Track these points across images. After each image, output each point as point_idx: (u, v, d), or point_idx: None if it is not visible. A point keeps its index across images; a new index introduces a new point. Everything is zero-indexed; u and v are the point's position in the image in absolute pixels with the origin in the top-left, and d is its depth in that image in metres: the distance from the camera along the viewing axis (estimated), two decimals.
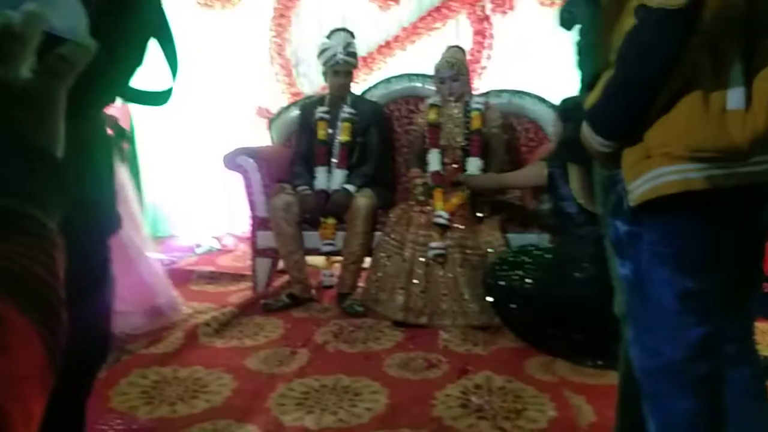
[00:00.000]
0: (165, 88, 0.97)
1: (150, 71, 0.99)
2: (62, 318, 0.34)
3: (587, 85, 1.08)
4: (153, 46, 0.96)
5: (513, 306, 2.36)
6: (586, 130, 1.04)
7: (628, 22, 0.92)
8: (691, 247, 0.99)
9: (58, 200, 0.37)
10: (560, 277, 2.23)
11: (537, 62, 3.84)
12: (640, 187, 0.97)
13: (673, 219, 0.98)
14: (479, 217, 2.74)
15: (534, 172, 2.43)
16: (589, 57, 1.10)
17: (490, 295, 2.45)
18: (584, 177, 2.32)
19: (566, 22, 1.25)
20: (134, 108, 3.54)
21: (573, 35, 1.20)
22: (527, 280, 2.32)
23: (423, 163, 2.98)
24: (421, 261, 2.65)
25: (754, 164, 0.92)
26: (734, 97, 0.90)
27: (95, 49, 0.40)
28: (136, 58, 0.90)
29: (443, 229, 2.66)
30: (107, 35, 0.84)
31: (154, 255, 2.85)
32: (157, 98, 0.96)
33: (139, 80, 0.95)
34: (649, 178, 0.96)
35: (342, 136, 2.99)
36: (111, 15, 0.84)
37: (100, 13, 0.84)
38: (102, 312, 1.25)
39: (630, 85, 0.95)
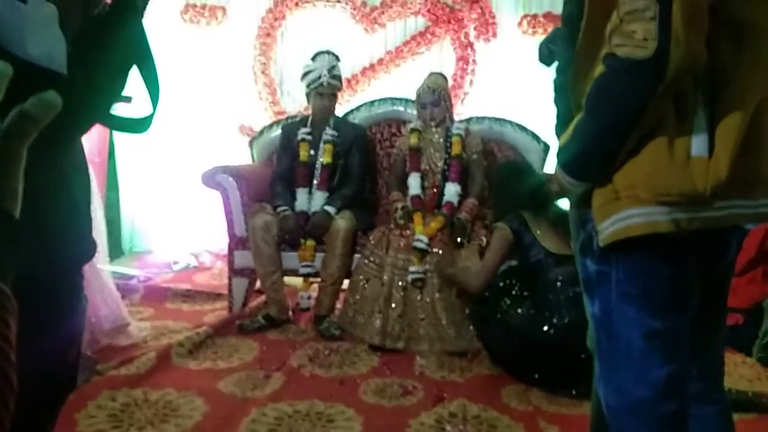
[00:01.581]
0: (145, 115, 0.96)
1: (131, 97, 0.98)
2: (12, 383, 0.34)
3: (563, 122, 1.11)
4: (134, 73, 0.96)
5: (494, 333, 2.37)
6: (558, 170, 1.07)
7: (599, 68, 0.95)
8: (657, 287, 1.02)
9: (12, 262, 0.37)
10: (540, 323, 2.23)
11: (518, 90, 3.91)
12: (609, 227, 0.99)
13: (640, 259, 1.01)
14: (458, 242, 2.75)
15: (500, 240, 2.44)
16: (565, 95, 1.12)
17: (474, 317, 2.46)
18: (545, 222, 2.39)
19: (545, 58, 1.28)
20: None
21: (552, 71, 1.23)
22: (512, 312, 2.32)
23: (403, 187, 2.99)
24: (400, 285, 2.65)
25: (716, 209, 0.95)
26: (698, 144, 0.93)
27: (59, 105, 0.39)
28: (116, 87, 0.89)
29: (422, 253, 2.67)
30: (87, 64, 0.83)
31: (108, 269, 2.79)
32: (137, 126, 0.95)
33: (119, 107, 0.94)
34: (617, 219, 0.98)
35: (324, 158, 3.00)
36: (91, 43, 0.84)
37: (80, 41, 0.83)
38: (73, 339, 1.22)
39: (598, 131, 0.98)
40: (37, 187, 0.51)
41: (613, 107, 0.95)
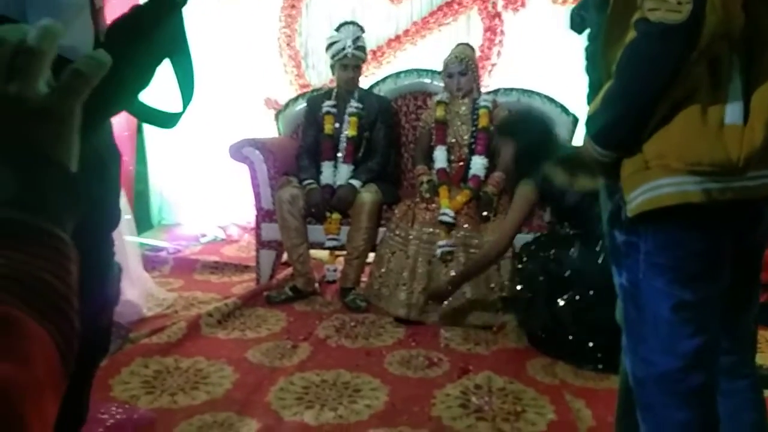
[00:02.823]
0: (175, 110, 0.95)
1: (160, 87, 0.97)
2: (75, 327, 0.36)
3: (594, 90, 1.08)
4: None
5: (539, 285, 2.33)
6: (587, 140, 1.04)
7: (631, 34, 0.92)
8: (687, 258, 1.00)
9: (72, 213, 0.39)
10: (595, 255, 2.20)
11: (547, 61, 3.81)
12: (637, 197, 0.97)
13: (669, 230, 0.99)
14: (484, 216, 2.73)
15: (524, 198, 2.39)
16: (596, 63, 1.09)
17: (521, 272, 2.44)
18: (562, 168, 2.31)
19: (577, 26, 1.24)
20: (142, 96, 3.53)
21: (583, 39, 1.20)
22: (563, 258, 2.28)
23: (429, 160, 2.97)
24: (425, 258, 2.65)
25: (749, 179, 0.92)
26: (732, 112, 0.89)
27: (109, 63, 0.40)
28: (145, 79, 0.89)
29: (449, 227, 2.66)
30: (118, 55, 0.83)
31: (137, 241, 2.82)
32: (166, 120, 0.95)
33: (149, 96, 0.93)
34: (646, 189, 0.96)
35: (349, 131, 2.99)
36: (125, 35, 0.83)
37: (115, 31, 0.83)
38: (106, 304, 1.26)
39: (628, 98, 0.95)
40: None
41: (645, 73, 0.92)
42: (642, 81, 0.93)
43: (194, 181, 4.26)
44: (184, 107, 0.98)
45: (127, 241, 2.57)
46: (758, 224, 1.05)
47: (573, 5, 1.29)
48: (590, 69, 1.12)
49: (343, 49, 2.92)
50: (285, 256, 3.01)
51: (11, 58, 0.37)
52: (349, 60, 2.94)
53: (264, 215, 3.00)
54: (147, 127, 4.16)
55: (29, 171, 0.37)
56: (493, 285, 2.60)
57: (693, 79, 0.91)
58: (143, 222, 4.19)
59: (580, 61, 1.15)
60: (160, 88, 0.95)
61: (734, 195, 0.93)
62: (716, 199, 0.93)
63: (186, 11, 0.95)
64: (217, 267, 3.37)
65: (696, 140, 0.91)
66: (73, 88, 0.39)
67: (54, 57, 0.39)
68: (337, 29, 3.04)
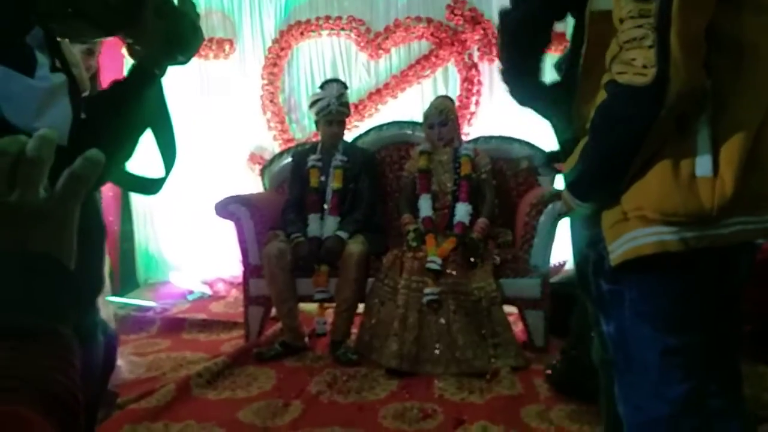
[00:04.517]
0: (158, 177, 0.97)
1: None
2: (79, 419, 0.37)
3: (561, 144, 1.15)
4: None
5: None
6: (565, 192, 1.09)
7: (601, 95, 0.98)
8: (670, 305, 1.03)
9: (73, 309, 0.41)
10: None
11: (524, 108, 3.93)
12: (619, 247, 1.01)
13: (651, 279, 1.02)
14: (472, 262, 2.75)
15: None
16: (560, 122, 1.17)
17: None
18: None
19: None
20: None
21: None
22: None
23: (414, 209, 3.01)
24: (415, 307, 2.65)
25: (723, 227, 0.96)
26: (702, 164, 0.94)
27: (103, 161, 0.43)
28: (128, 150, 0.91)
29: (436, 274, 2.67)
30: (100, 129, 0.86)
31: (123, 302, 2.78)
32: (149, 187, 0.96)
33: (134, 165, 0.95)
34: (627, 239, 1.00)
35: (334, 184, 3.03)
36: (106, 108, 0.86)
37: (96, 105, 0.86)
38: (90, 373, 1.24)
39: (603, 155, 1.01)
40: None
41: (617, 132, 0.97)
42: (614, 139, 0.98)
43: (180, 238, 4.26)
44: (167, 173, 1.00)
45: (102, 302, 2.55)
46: (736, 268, 1.08)
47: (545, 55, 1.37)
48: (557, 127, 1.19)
49: (328, 105, 2.99)
50: (274, 311, 2.99)
51: (11, 168, 0.40)
52: (333, 116, 3.02)
53: (251, 271, 3.00)
54: None
55: (32, 274, 0.39)
56: (484, 332, 2.60)
57: (663, 135, 0.96)
58: (129, 281, 4.16)
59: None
60: (141, 153, 0.98)
61: (710, 242, 0.97)
62: (693, 246, 0.97)
63: (170, 71, 0.98)
64: (206, 325, 3.33)
65: (670, 192, 0.95)
66: (72, 191, 0.42)
67: (51, 163, 0.41)
68: (321, 87, 3.12)
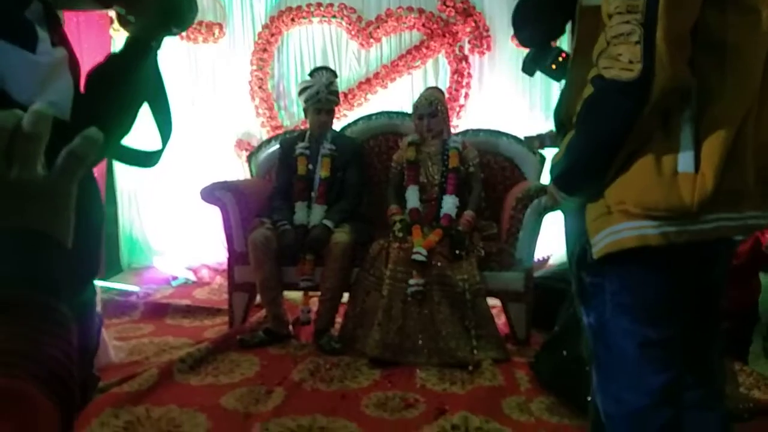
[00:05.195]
0: (155, 149, 0.97)
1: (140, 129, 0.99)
2: (76, 397, 0.38)
3: (560, 131, 1.17)
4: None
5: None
6: (551, 185, 1.11)
7: (588, 89, 0.99)
8: (649, 297, 1.05)
9: (71, 286, 0.41)
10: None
11: (512, 102, 3.95)
12: (601, 241, 1.03)
13: (632, 271, 1.04)
14: (457, 254, 2.76)
15: None
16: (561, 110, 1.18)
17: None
18: None
19: (528, 69, 1.34)
20: None
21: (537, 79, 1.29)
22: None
23: (401, 200, 3.02)
24: (399, 298, 2.66)
25: (704, 222, 0.98)
26: (684, 160, 0.96)
27: (101, 139, 0.43)
28: (125, 125, 0.91)
29: (422, 266, 2.68)
30: (97, 104, 0.85)
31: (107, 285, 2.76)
32: (146, 160, 0.96)
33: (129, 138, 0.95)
34: (609, 232, 1.02)
35: (322, 172, 3.02)
36: (104, 83, 0.85)
37: (93, 81, 0.85)
38: (86, 355, 1.24)
39: (587, 148, 1.03)
40: None
41: (602, 126, 0.99)
42: (600, 133, 1.00)
43: (165, 223, 4.23)
44: (164, 145, 1.00)
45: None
46: (715, 264, 1.11)
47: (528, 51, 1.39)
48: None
49: (317, 93, 2.98)
50: (258, 298, 2.99)
51: (8, 143, 0.40)
52: (322, 104, 3.00)
53: (236, 258, 2.99)
54: (117, 169, 4.13)
55: (31, 250, 0.39)
56: (467, 323, 2.62)
57: (647, 130, 0.97)
58: (113, 265, 4.12)
59: (542, 102, 1.24)
60: (135, 129, 0.97)
61: (690, 237, 0.99)
62: (674, 241, 0.99)
63: (160, 55, 0.98)
64: (189, 311, 3.32)
65: (652, 187, 0.97)
66: (70, 169, 0.42)
67: (47, 139, 0.41)
68: (311, 74, 3.10)
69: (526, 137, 1.30)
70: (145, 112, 0.96)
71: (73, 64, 0.86)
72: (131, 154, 0.95)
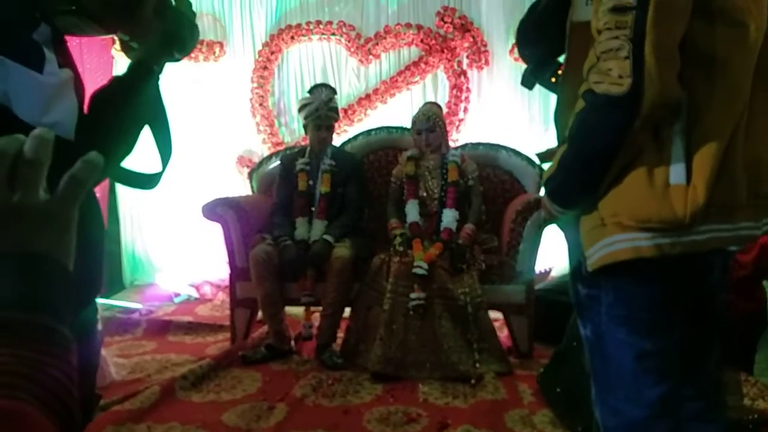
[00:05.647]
0: (155, 171, 0.98)
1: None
2: (76, 417, 0.38)
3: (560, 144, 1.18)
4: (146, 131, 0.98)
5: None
6: (545, 198, 1.12)
7: (579, 103, 1.01)
8: (644, 309, 1.05)
9: (72, 309, 0.42)
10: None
11: (511, 115, 3.98)
12: (596, 253, 1.04)
13: (626, 283, 1.05)
14: (458, 268, 2.77)
15: None
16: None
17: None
18: None
19: (528, 83, 1.35)
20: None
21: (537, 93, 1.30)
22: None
23: (401, 214, 3.03)
24: (401, 312, 2.66)
25: (697, 234, 0.99)
26: (676, 173, 0.97)
27: (102, 163, 0.44)
28: (127, 147, 0.92)
29: (423, 279, 2.69)
30: (100, 125, 0.87)
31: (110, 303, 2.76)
32: (146, 182, 0.98)
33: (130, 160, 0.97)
34: (603, 245, 1.03)
35: (323, 188, 3.04)
36: (106, 105, 0.87)
37: (97, 102, 0.87)
38: (87, 373, 1.24)
39: (580, 162, 1.04)
40: None
41: (593, 140, 1.00)
42: (591, 147, 1.01)
43: (167, 240, 4.24)
44: (164, 167, 1.01)
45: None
46: (710, 274, 1.11)
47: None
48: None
49: (317, 110, 3.00)
50: (260, 315, 2.99)
51: (10, 168, 0.41)
52: (322, 120, 3.03)
53: (238, 274, 3.00)
54: (119, 187, 4.16)
55: (32, 273, 0.40)
56: (469, 337, 2.62)
57: (638, 143, 0.99)
58: (115, 282, 4.13)
59: (541, 115, 1.26)
60: (136, 151, 0.99)
61: (684, 248, 0.99)
62: (667, 253, 0.99)
63: (161, 77, 1.00)
64: (191, 327, 3.32)
65: (645, 200, 0.98)
66: (71, 193, 0.43)
67: (49, 164, 0.42)
68: (310, 91, 3.13)
69: (537, 154, 1.31)
70: (146, 134, 0.98)
71: (78, 85, 0.88)
72: (131, 176, 0.97)
